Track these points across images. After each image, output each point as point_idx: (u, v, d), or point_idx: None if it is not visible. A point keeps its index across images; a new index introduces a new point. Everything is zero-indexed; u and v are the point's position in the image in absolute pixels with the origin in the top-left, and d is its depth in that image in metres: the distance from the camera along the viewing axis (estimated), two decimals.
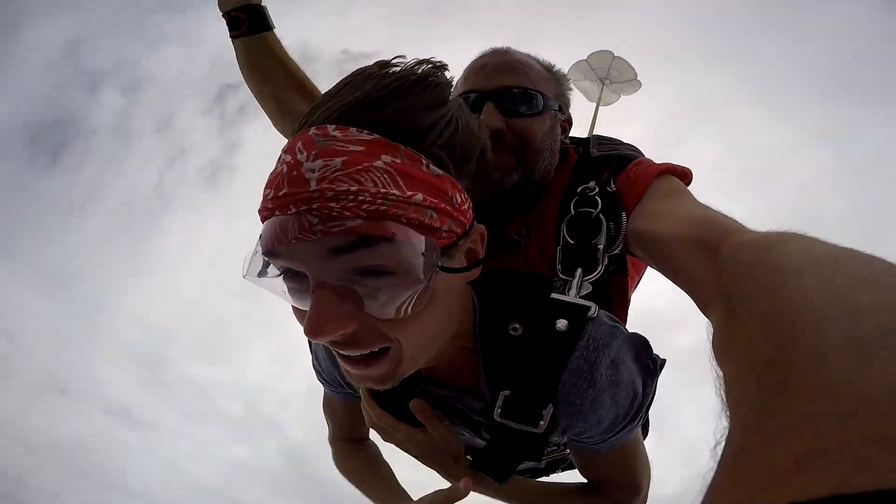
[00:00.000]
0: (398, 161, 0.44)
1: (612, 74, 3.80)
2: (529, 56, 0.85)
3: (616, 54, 3.79)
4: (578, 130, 0.95)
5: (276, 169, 0.46)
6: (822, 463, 0.17)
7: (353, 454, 0.86)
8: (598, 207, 0.71)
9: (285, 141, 0.49)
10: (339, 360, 0.52)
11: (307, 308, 0.46)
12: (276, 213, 0.44)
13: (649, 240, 0.64)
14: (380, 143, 0.44)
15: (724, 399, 0.28)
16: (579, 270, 0.68)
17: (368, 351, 0.48)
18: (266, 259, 0.48)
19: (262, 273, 0.49)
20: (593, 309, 0.59)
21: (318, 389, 0.81)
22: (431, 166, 0.46)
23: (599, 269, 0.68)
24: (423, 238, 0.45)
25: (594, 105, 4.11)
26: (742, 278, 0.35)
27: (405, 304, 0.46)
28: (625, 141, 0.87)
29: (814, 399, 0.20)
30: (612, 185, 0.74)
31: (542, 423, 0.58)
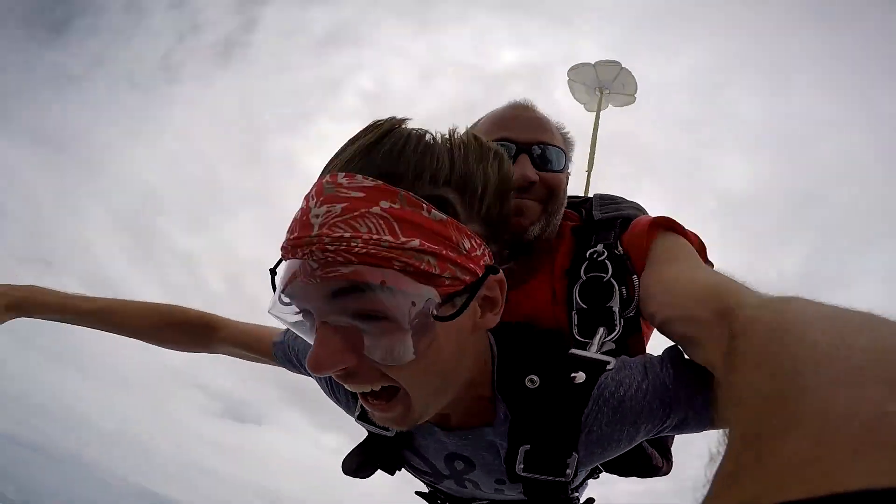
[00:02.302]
0: (396, 207, 0.46)
1: (614, 86, 3.86)
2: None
3: (623, 66, 3.86)
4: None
5: (296, 213, 0.49)
6: (819, 468, 0.19)
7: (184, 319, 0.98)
8: (608, 272, 0.70)
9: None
10: (361, 399, 0.55)
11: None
12: (289, 256, 0.48)
13: (658, 310, 0.64)
14: (380, 189, 0.46)
15: (723, 429, 0.29)
16: (602, 330, 0.67)
17: (370, 388, 0.51)
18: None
19: (284, 309, 0.52)
20: (613, 363, 0.60)
21: None
22: (434, 211, 0.47)
23: (618, 329, 0.67)
24: (417, 285, 0.46)
25: (591, 110, 4.13)
26: (753, 336, 0.36)
27: (399, 349, 0.47)
28: (627, 199, 0.86)
29: (809, 415, 0.22)
30: (620, 248, 0.73)
31: (568, 471, 0.59)
